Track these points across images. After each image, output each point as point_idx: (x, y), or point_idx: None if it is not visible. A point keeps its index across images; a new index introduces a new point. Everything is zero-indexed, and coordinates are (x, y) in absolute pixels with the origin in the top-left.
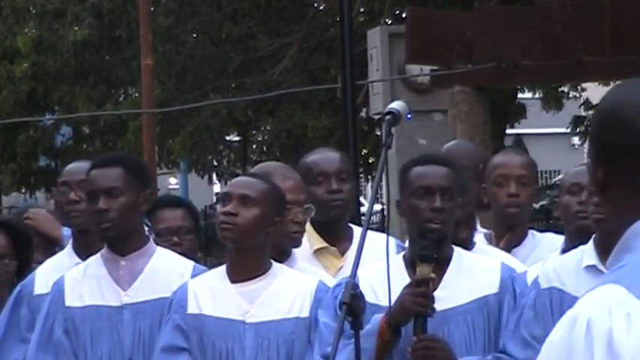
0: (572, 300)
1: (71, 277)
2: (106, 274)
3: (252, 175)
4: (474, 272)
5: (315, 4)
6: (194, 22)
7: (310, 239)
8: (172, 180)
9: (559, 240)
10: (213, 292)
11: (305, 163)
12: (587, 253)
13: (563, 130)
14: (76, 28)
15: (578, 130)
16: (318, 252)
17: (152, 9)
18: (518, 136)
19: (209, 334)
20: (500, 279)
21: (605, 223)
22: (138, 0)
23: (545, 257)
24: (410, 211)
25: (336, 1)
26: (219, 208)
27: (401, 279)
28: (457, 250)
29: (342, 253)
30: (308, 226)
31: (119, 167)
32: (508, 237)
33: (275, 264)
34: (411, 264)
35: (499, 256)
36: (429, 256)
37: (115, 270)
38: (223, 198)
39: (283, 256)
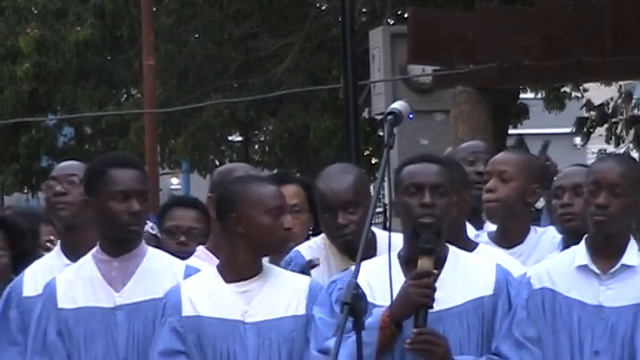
0: (564, 300)
1: (63, 279)
2: (98, 275)
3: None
4: (469, 272)
5: (317, 5)
6: (196, 23)
7: (334, 255)
8: (174, 180)
9: (560, 236)
10: (209, 293)
11: (317, 189)
12: (578, 253)
13: (565, 130)
14: (78, 29)
15: (581, 131)
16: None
17: (154, 9)
18: (520, 137)
19: (208, 335)
20: (496, 280)
21: (606, 225)
22: (140, 0)
23: (547, 255)
24: (402, 209)
25: (338, 2)
26: (275, 222)
27: (397, 277)
28: (452, 250)
29: None
30: (331, 247)
31: (140, 170)
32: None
33: (265, 264)
34: (405, 262)
35: (500, 256)
36: (429, 249)
37: (108, 271)
38: (280, 210)
39: None
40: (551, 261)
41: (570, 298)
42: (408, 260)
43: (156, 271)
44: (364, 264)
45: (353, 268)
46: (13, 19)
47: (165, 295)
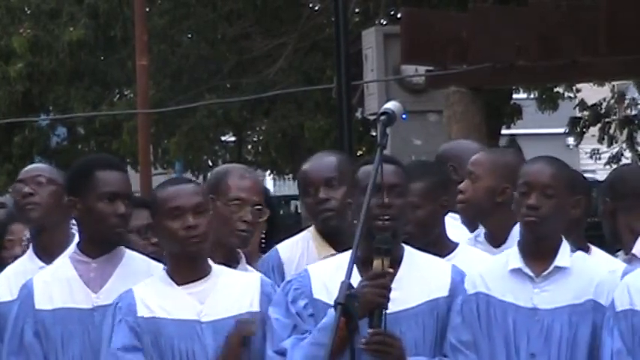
0: (499, 304)
1: (40, 280)
2: (76, 276)
3: (182, 182)
4: (425, 273)
5: (310, 5)
6: (189, 23)
7: (317, 247)
8: None
9: None
10: (162, 296)
11: (299, 174)
12: (512, 256)
13: (558, 130)
14: (72, 29)
15: (574, 131)
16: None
17: (147, 9)
18: (512, 137)
19: (166, 336)
20: (451, 282)
21: (537, 226)
22: (133, 0)
23: None
24: (359, 210)
25: (331, 2)
26: (176, 223)
27: (353, 277)
28: (408, 250)
29: None
30: (315, 234)
31: (125, 172)
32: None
33: (213, 265)
34: (362, 262)
35: (479, 257)
36: (386, 250)
37: (86, 272)
38: (176, 212)
39: (232, 258)
40: (484, 265)
41: (505, 301)
42: (364, 260)
43: (134, 273)
44: (318, 265)
45: (308, 268)
46: (7, 19)
47: (118, 298)
